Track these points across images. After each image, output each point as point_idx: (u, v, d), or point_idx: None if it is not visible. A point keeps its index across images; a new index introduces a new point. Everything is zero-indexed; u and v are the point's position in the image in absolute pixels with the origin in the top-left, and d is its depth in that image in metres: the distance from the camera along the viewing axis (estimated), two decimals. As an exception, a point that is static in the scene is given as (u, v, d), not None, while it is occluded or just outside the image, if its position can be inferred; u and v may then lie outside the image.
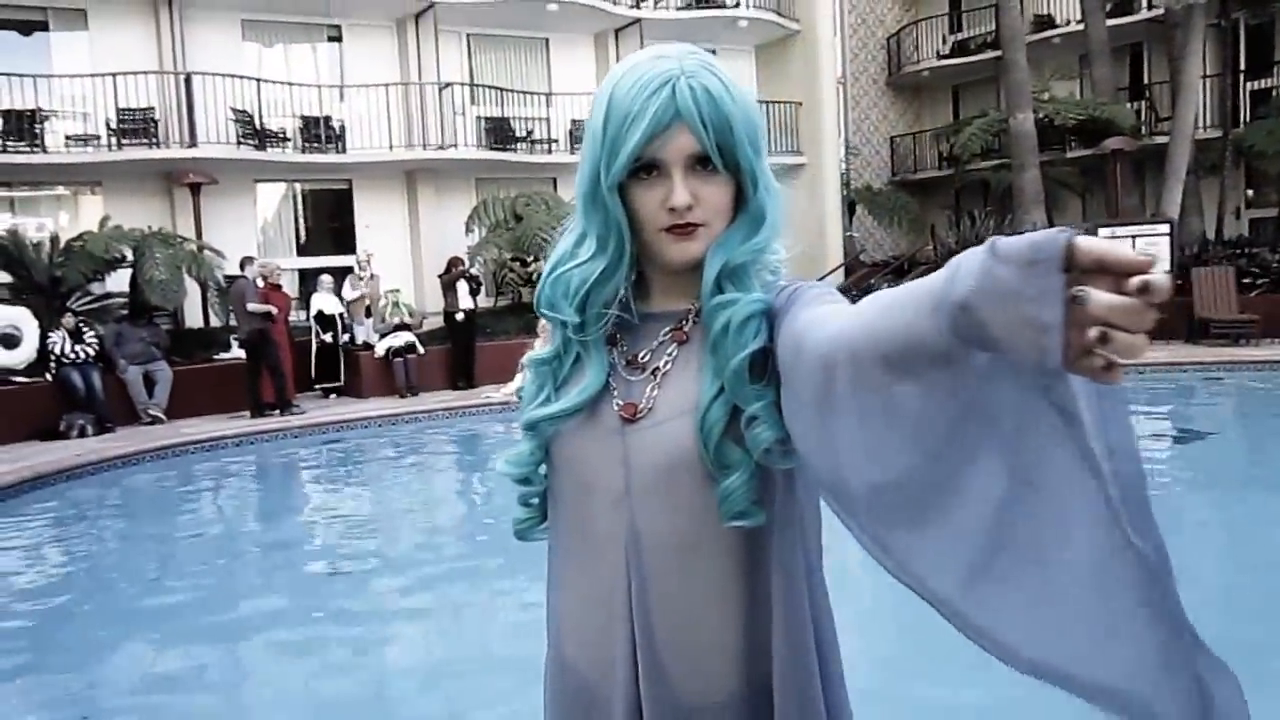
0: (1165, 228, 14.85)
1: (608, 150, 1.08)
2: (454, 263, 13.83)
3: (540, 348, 1.25)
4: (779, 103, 19.70)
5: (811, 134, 19.71)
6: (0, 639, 4.90)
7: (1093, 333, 0.65)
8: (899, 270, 19.02)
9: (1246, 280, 14.29)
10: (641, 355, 1.17)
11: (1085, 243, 0.65)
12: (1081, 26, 18.49)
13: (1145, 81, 20.03)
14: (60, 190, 14.82)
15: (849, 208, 22.18)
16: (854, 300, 0.96)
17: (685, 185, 1.08)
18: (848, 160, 22.87)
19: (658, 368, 1.15)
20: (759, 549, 1.12)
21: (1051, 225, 18.01)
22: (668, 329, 1.17)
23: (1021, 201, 17.12)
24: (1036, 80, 18.78)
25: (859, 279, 18.45)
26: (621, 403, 1.15)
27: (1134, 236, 14.86)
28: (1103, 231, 15.11)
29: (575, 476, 1.18)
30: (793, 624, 1.10)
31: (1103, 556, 0.76)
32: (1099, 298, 0.64)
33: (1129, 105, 18.97)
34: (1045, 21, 20.44)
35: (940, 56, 22.80)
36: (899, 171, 23.51)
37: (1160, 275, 0.64)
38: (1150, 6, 18.54)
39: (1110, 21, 18.34)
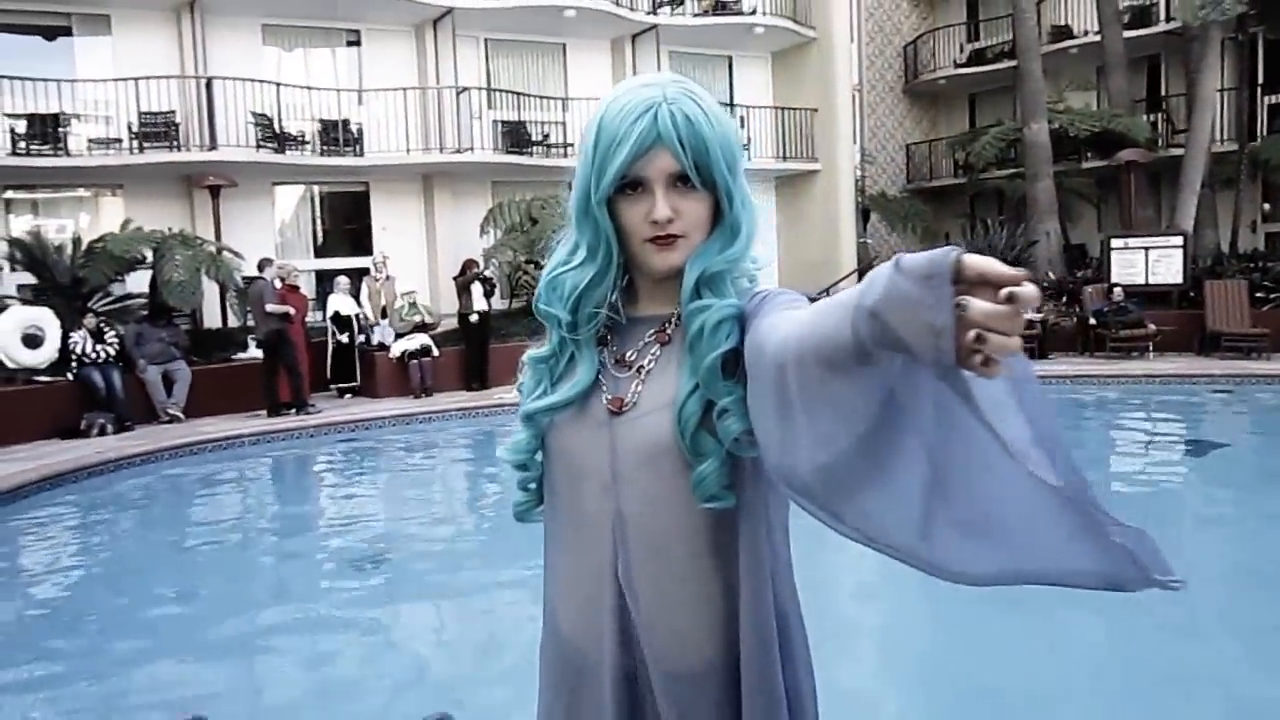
0: (1179, 240, 14.87)
1: (597, 169, 1.21)
2: (469, 265, 13.96)
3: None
4: (794, 109, 19.78)
5: (827, 141, 19.76)
6: (21, 632, 5.03)
7: (970, 334, 0.77)
8: (912, 278, 19.04)
9: (1260, 294, 14.26)
10: (628, 354, 1.29)
11: (970, 259, 0.78)
12: (1099, 38, 18.50)
13: (1163, 93, 20.01)
14: (82, 192, 15.02)
15: (863, 214, 22.23)
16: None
17: (666, 201, 1.20)
18: (863, 167, 22.92)
19: (642, 366, 1.28)
20: (729, 531, 1.24)
21: (1065, 235, 18.07)
22: (652, 331, 1.29)
23: (1035, 211, 17.16)
24: (1052, 90, 18.80)
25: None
26: (610, 397, 1.27)
27: (1147, 248, 14.89)
28: (1115, 242, 15.16)
29: (567, 463, 1.31)
30: (758, 600, 1.22)
31: (1019, 494, 0.91)
32: (976, 305, 0.77)
33: (1145, 117, 18.96)
34: (1063, 32, 20.44)
35: (957, 65, 22.82)
36: (914, 179, 23.55)
37: (1028, 288, 0.76)
38: (1169, 19, 18.54)
39: (1127, 33, 18.34)
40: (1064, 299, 15.30)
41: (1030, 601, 4.19)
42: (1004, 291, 0.76)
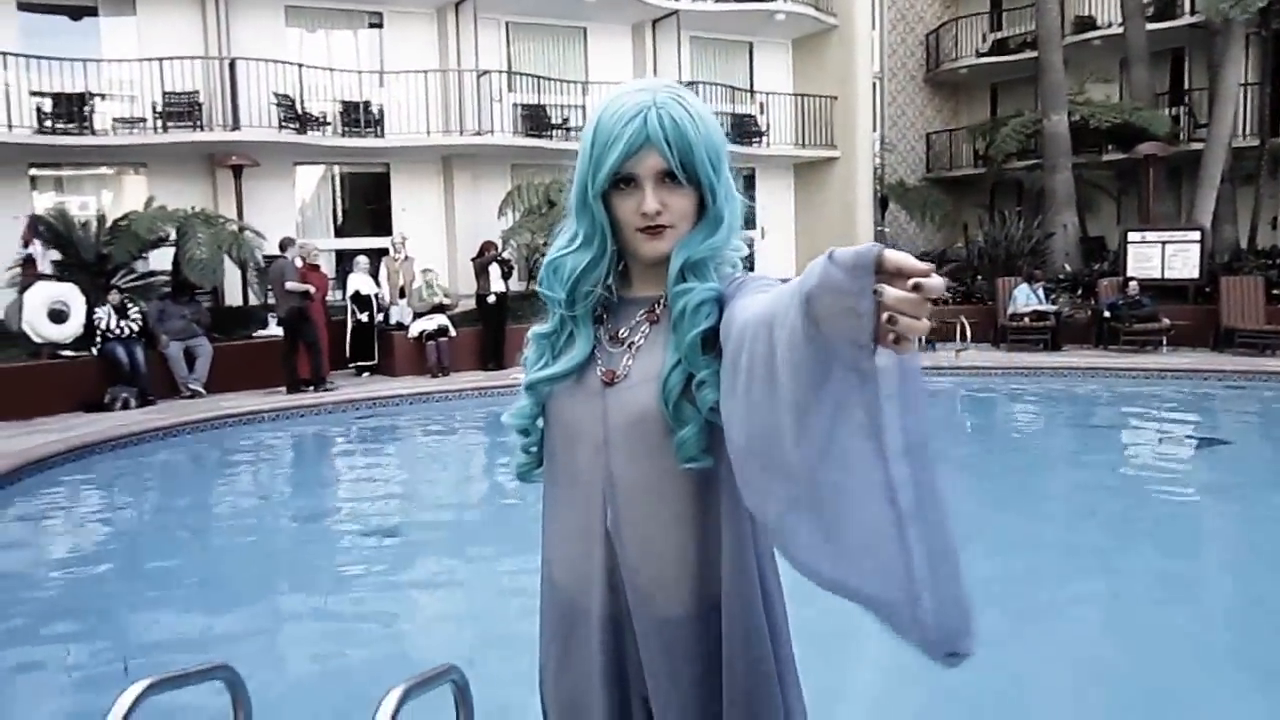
0: (1196, 234, 14.85)
1: (594, 166, 1.36)
2: (487, 246, 14.09)
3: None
4: (814, 96, 19.78)
5: (846, 128, 19.76)
6: (44, 600, 5.22)
7: (884, 316, 0.91)
8: (928, 268, 19.05)
9: (1277, 291, 14.22)
10: (621, 331, 1.44)
11: (890, 254, 0.92)
12: (1122, 30, 18.40)
13: (1185, 87, 19.91)
14: (106, 170, 15.22)
15: (881, 203, 22.23)
16: None
17: (655, 195, 1.34)
18: (882, 156, 22.90)
19: (633, 342, 1.42)
20: (709, 490, 1.37)
21: (1083, 227, 18.04)
22: (643, 311, 1.44)
23: (1053, 203, 17.15)
24: (1074, 82, 18.73)
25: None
26: (603, 369, 1.42)
27: (1164, 242, 14.88)
28: (1132, 236, 15.15)
29: (565, 428, 1.45)
30: (738, 553, 1.36)
31: (873, 516, 0.99)
32: (890, 292, 0.91)
33: (1167, 111, 18.86)
34: (1086, 23, 20.33)
35: (979, 54, 22.73)
36: (934, 168, 23.50)
37: (935, 279, 0.90)
38: (1192, 12, 18.42)
39: (1151, 26, 18.25)
40: (1079, 292, 15.30)
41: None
42: (912, 281, 0.90)
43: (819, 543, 1.05)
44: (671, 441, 1.35)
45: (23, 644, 4.57)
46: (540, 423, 1.51)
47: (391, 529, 6.56)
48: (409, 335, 13.20)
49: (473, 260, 14.15)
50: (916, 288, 0.89)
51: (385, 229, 16.12)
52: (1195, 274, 14.73)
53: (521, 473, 1.56)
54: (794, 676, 1.45)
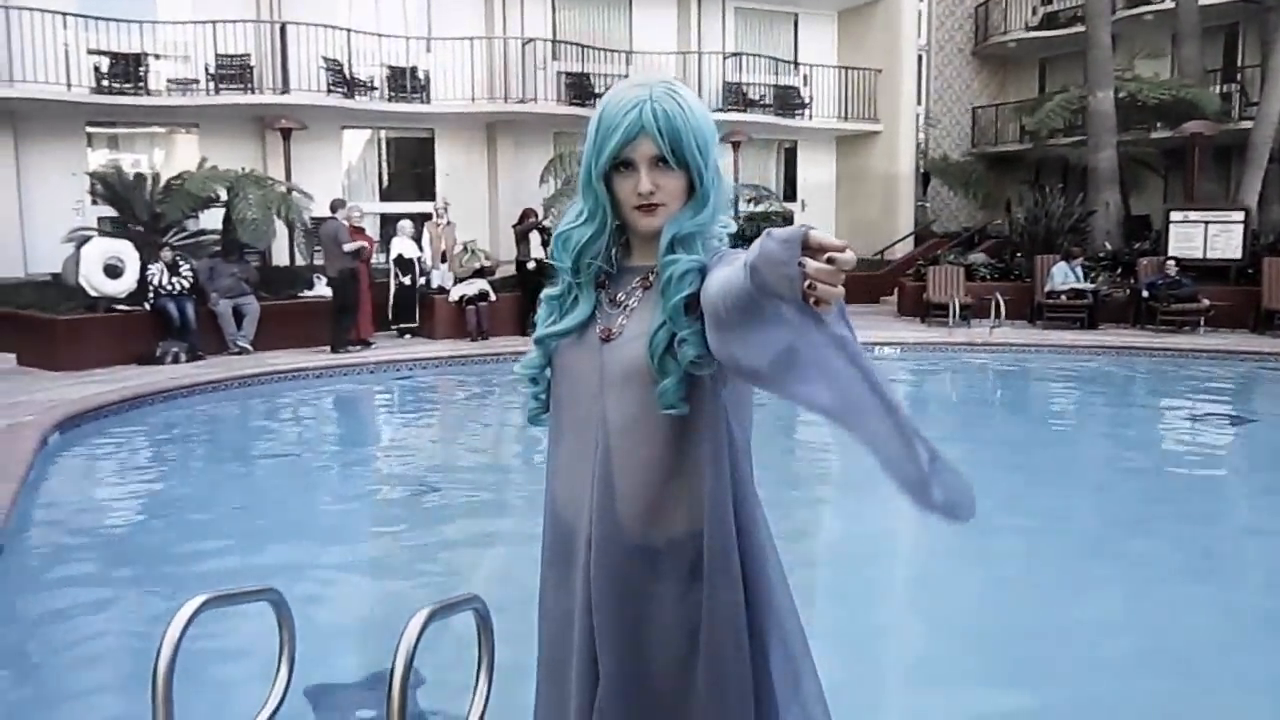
0: (1239, 215, 14.70)
1: (596, 152, 1.58)
2: (528, 213, 14.30)
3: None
4: (858, 69, 19.72)
5: (889, 102, 19.70)
6: (98, 544, 5.54)
7: (805, 283, 1.14)
8: (968, 242, 19.02)
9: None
10: (618, 295, 1.66)
11: (814, 234, 1.15)
12: (1174, 4, 18.12)
13: (1238, 64, 19.58)
14: (158, 130, 15.60)
15: (923, 179, 22.14)
16: None
17: (649, 177, 1.56)
18: (926, 130, 22.77)
19: (628, 305, 1.65)
20: (687, 435, 1.59)
21: (1126, 206, 17.88)
22: (638, 278, 1.66)
23: (1095, 180, 17.01)
24: (1124, 58, 18.50)
25: (927, 249, 18.53)
26: (602, 327, 1.65)
27: (1206, 222, 14.75)
28: (1175, 215, 15.05)
29: (568, 377, 1.69)
30: (716, 488, 1.58)
31: (846, 372, 1.23)
32: (810, 264, 1.13)
33: (1219, 88, 18.58)
34: (1138, -3, 20.04)
35: (1029, 28, 22.46)
36: (978, 143, 23.32)
37: (847, 255, 1.13)
38: (1248, -14, 18.09)
39: (1204, 1, 17.95)
40: (1118, 271, 15.21)
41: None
42: (826, 255, 1.13)
43: (814, 377, 1.26)
44: (655, 391, 1.56)
45: (84, 571, 4.91)
46: (548, 373, 1.73)
47: (425, 478, 6.86)
48: (449, 299, 13.46)
49: (514, 227, 14.38)
50: (831, 260, 1.12)
51: (429, 194, 16.40)
52: (1238, 255, 14.60)
53: (531, 417, 1.79)
54: (783, 601, 1.65)
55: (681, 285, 1.53)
